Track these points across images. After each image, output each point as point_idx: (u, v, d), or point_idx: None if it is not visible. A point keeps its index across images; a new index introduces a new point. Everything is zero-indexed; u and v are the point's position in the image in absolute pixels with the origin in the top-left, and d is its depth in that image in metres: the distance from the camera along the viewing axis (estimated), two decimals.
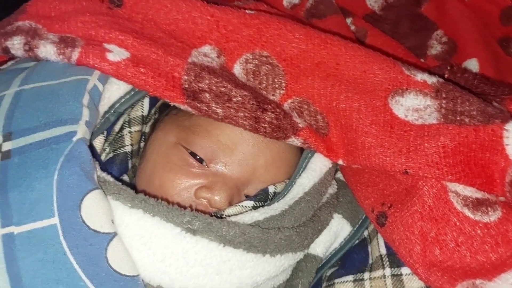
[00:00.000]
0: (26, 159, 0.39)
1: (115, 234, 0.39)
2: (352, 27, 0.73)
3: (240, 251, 0.43)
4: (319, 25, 0.68)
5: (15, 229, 0.37)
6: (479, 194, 0.44)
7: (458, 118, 0.45)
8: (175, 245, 0.41)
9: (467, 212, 0.43)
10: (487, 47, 0.70)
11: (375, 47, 0.59)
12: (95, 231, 0.38)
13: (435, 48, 0.74)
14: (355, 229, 0.53)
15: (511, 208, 0.43)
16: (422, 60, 0.72)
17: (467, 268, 0.41)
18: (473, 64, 0.68)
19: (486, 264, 0.41)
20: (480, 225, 0.42)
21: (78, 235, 0.37)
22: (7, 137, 0.40)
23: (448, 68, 0.58)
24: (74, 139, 0.39)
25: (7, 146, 0.40)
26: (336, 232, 0.53)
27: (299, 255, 0.49)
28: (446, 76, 0.58)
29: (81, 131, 0.40)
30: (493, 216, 0.43)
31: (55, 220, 0.37)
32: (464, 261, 0.42)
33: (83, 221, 0.37)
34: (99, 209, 0.39)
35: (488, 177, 0.44)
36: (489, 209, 0.43)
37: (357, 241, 0.53)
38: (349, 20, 0.73)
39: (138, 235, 0.40)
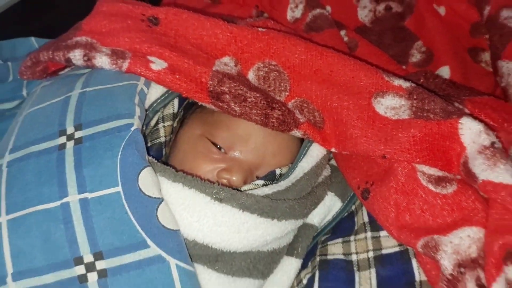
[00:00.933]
0: (96, 143, 0.48)
1: (163, 199, 0.49)
2: (345, 39, 0.81)
3: (255, 216, 0.51)
4: (317, 37, 0.76)
5: (89, 195, 0.46)
6: (440, 173, 0.51)
7: (425, 115, 0.52)
8: (207, 210, 0.50)
9: (431, 187, 0.50)
10: (458, 56, 0.77)
11: (362, 57, 0.68)
12: (148, 196, 0.47)
13: (415, 56, 0.81)
14: (344, 204, 0.61)
15: (464, 183, 0.50)
16: (403, 67, 0.79)
17: (429, 228, 0.48)
18: (445, 71, 0.75)
19: (443, 225, 0.48)
20: (440, 196, 0.49)
21: (136, 199, 0.46)
22: (78, 127, 0.50)
23: (423, 74, 0.68)
24: (132, 129, 0.49)
25: (78, 134, 0.50)
26: (329, 207, 0.61)
27: (299, 222, 0.58)
28: (421, 81, 0.68)
29: (136, 123, 0.50)
30: (450, 189, 0.50)
31: (119, 188, 0.46)
32: (427, 223, 0.49)
33: (140, 189, 0.47)
34: (151, 180, 0.48)
35: (447, 160, 0.51)
36: (447, 184, 0.50)
37: (346, 214, 0.60)
38: (343, 32, 0.81)
39: (179, 202, 0.50)
